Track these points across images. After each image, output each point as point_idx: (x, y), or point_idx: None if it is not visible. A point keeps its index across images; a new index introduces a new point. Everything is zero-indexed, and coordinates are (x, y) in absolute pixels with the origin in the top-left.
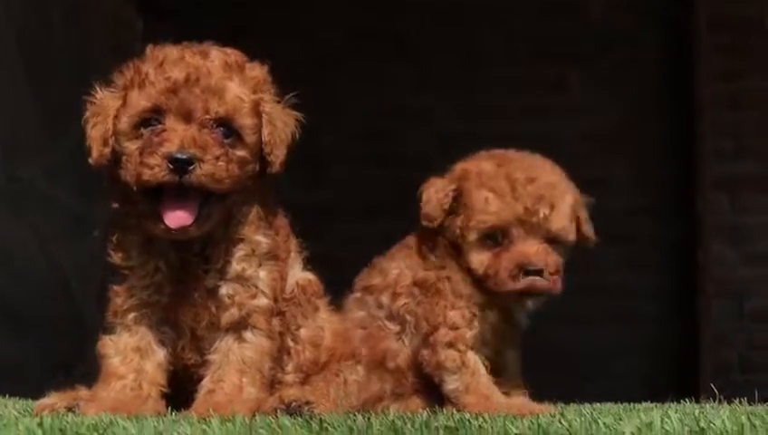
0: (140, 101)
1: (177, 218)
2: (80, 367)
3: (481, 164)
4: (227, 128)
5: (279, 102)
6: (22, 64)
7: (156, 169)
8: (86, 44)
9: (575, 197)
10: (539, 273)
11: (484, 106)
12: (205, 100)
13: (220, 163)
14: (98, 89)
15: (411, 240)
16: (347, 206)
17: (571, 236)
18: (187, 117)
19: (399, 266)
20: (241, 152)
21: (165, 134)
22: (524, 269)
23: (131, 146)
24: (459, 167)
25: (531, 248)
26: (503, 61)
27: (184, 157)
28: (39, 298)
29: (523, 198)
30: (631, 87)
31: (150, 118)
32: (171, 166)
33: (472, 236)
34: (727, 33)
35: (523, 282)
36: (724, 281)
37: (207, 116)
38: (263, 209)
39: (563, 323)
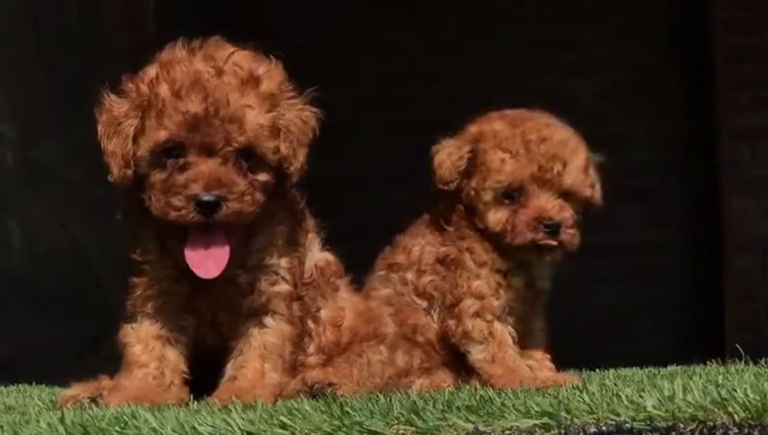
0: (159, 132)
1: (206, 269)
2: (106, 348)
3: (494, 125)
4: (249, 153)
5: (294, 100)
6: (36, 45)
7: (183, 211)
8: (99, 23)
9: (586, 154)
10: (557, 226)
11: (499, 68)
12: (225, 131)
13: (246, 198)
14: (108, 95)
15: (429, 215)
16: (364, 176)
17: (586, 191)
18: (208, 150)
19: (421, 243)
20: (264, 177)
21: (188, 172)
22: (543, 223)
23: (154, 176)
24: (472, 128)
25: (548, 203)
26: (515, 21)
27: (210, 199)
28: (63, 281)
29: (537, 157)
30: (646, 41)
31: (171, 148)
32: (198, 208)
33: (487, 196)
34: None
35: (542, 234)
36: (747, 234)
37: (229, 148)
38: (281, 199)
39: (587, 282)
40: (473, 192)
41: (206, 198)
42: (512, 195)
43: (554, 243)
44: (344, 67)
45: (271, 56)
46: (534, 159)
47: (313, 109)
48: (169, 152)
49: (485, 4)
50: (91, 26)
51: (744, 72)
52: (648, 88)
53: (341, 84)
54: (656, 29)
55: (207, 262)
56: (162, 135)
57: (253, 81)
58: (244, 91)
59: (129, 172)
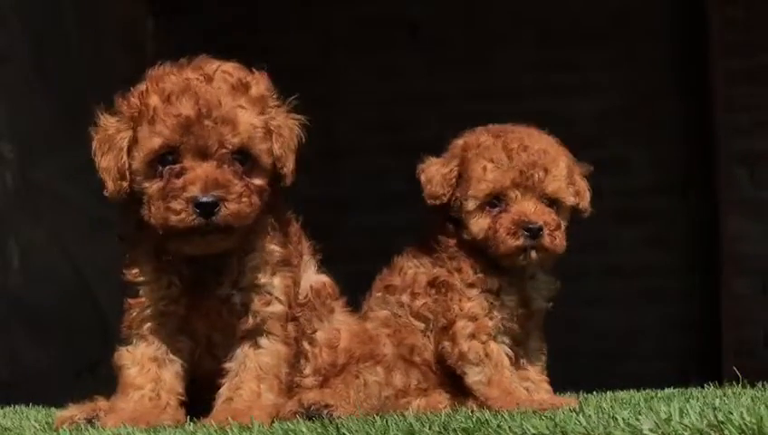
0: (153, 139)
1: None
2: (104, 368)
3: (480, 137)
4: (244, 156)
5: (281, 107)
6: (35, 65)
7: (183, 215)
8: (98, 44)
9: (569, 164)
10: (538, 229)
11: (498, 90)
12: (219, 133)
13: (243, 199)
14: (101, 115)
15: (421, 238)
16: (362, 197)
17: (570, 198)
18: (203, 153)
19: (415, 265)
20: (259, 180)
21: (186, 176)
22: (523, 226)
23: (151, 186)
24: (459, 141)
25: (528, 207)
26: (515, 43)
27: (209, 200)
28: (61, 301)
29: (518, 165)
30: (645, 64)
31: (165, 154)
32: (197, 210)
33: (471, 205)
34: (740, 6)
35: (522, 238)
36: (745, 257)
37: (224, 150)
38: (274, 218)
39: (586, 304)
40: (458, 202)
41: (205, 199)
42: (494, 202)
43: (535, 245)
44: (343, 88)
45: (254, 69)
46: (515, 166)
47: (298, 116)
48: (164, 160)
49: (486, 26)
50: (91, 47)
51: (742, 94)
52: (646, 110)
53: (341, 105)
54: (655, 52)
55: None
56: (156, 142)
57: (242, 86)
58: (235, 95)
59: (125, 184)
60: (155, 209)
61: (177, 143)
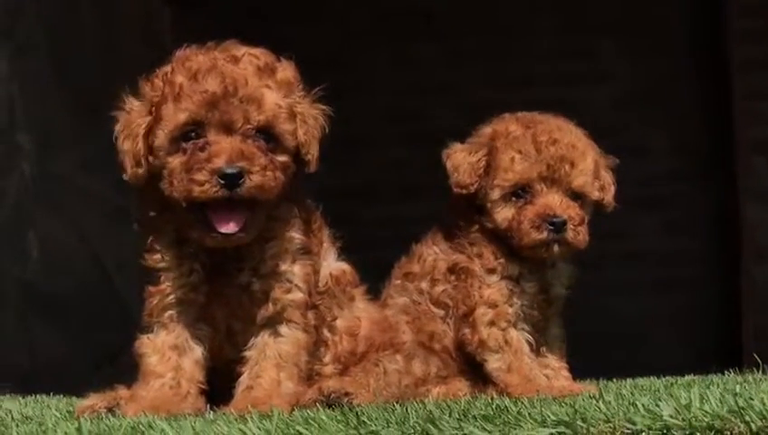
0: (178, 115)
1: (229, 226)
2: (125, 358)
3: (509, 126)
4: (267, 135)
5: (307, 97)
6: (52, 58)
7: (206, 186)
8: (115, 35)
9: (596, 158)
10: (562, 224)
11: (516, 79)
12: (244, 110)
13: (268, 173)
14: (127, 99)
15: (441, 223)
16: (380, 186)
17: (595, 193)
18: (228, 128)
19: (435, 252)
20: (283, 158)
21: (210, 148)
22: (548, 220)
23: (173, 161)
24: (488, 129)
25: (554, 200)
26: (532, 31)
27: (234, 171)
28: (82, 292)
29: (546, 158)
30: (664, 51)
31: (189, 131)
32: (222, 181)
33: (496, 194)
34: None
35: (546, 232)
36: (764, 243)
37: (249, 126)
38: (295, 205)
39: (604, 291)
40: (483, 191)
41: (229, 170)
42: (519, 193)
43: (558, 239)
44: (360, 79)
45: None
46: (544, 159)
47: (322, 106)
48: (188, 136)
49: (502, 15)
50: (108, 39)
51: (761, 81)
52: (665, 98)
53: (358, 96)
54: (672, 38)
55: (229, 220)
56: (182, 117)
57: (269, 69)
58: (261, 76)
59: (141, 171)
60: (177, 182)
61: (202, 118)
